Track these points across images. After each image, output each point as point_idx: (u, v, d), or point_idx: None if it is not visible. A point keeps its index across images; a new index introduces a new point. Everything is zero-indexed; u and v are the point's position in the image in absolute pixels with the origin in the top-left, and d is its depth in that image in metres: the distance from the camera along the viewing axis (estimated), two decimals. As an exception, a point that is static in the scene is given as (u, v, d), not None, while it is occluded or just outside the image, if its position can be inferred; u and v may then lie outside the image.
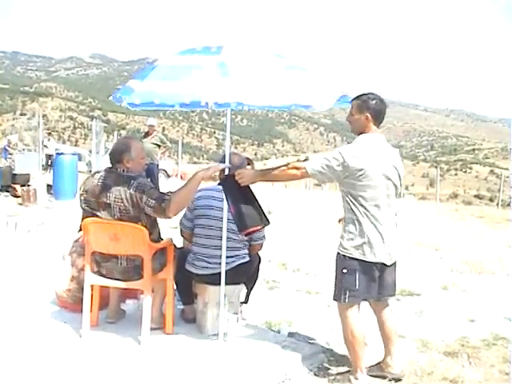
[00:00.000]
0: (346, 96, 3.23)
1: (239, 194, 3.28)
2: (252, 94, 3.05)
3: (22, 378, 2.94)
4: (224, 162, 3.45)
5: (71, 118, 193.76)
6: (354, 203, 3.10)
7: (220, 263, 3.47)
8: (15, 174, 12.18)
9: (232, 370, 3.14)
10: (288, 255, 6.72)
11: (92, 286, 3.58)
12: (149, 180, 3.56)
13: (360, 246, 3.07)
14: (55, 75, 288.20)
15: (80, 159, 16.20)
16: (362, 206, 3.07)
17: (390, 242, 3.13)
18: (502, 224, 11.41)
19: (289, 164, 3.23)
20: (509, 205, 21.53)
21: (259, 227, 3.39)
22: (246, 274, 3.81)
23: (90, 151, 18.45)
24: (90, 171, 14.31)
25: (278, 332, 3.94)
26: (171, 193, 3.28)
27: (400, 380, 3.30)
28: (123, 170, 3.44)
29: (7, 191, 11.85)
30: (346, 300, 3.13)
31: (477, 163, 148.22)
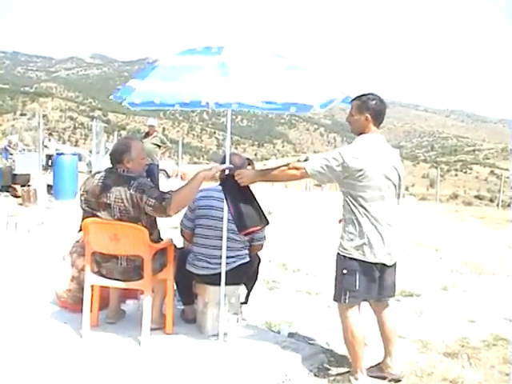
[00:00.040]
0: (347, 97, 3.24)
1: (239, 194, 3.28)
2: (252, 95, 3.05)
3: (22, 378, 2.94)
4: (225, 163, 3.45)
5: (71, 119, 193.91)
6: (353, 203, 3.10)
7: (221, 263, 3.47)
8: (15, 174, 12.18)
9: (232, 371, 3.14)
10: (288, 256, 6.72)
11: (92, 287, 3.58)
12: (149, 180, 3.56)
13: (360, 247, 3.07)
14: (55, 75, 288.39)
15: (80, 159, 16.20)
16: (361, 206, 3.08)
17: (390, 243, 3.13)
18: (502, 225, 11.41)
19: (289, 164, 3.23)
20: (509, 205, 21.52)
21: (258, 227, 3.39)
22: (246, 274, 3.81)
23: (90, 151, 18.45)
24: (90, 171, 14.31)
25: (278, 332, 3.94)
26: (172, 191, 3.29)
27: (400, 381, 3.30)
28: (123, 171, 3.44)
29: (7, 191, 11.86)
30: (346, 301, 3.13)
31: (477, 164, 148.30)
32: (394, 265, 3.25)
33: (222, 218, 3.48)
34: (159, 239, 3.65)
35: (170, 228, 6.61)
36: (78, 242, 4.04)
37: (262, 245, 3.94)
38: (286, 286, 5.40)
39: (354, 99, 3.23)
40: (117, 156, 3.47)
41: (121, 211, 3.36)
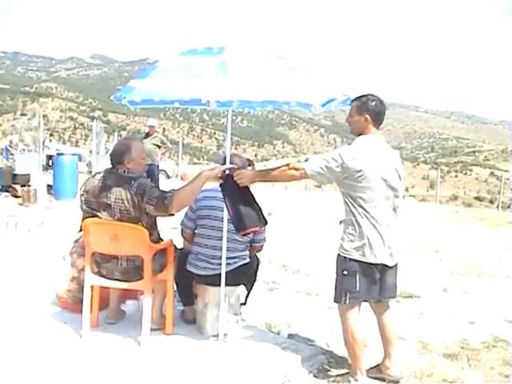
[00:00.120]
0: (348, 98, 3.24)
1: (238, 194, 3.28)
2: (253, 94, 3.05)
3: (22, 378, 2.94)
4: (225, 164, 3.45)
5: (71, 119, 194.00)
6: (353, 204, 3.10)
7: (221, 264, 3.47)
8: (15, 175, 12.19)
9: (232, 371, 3.14)
10: (288, 256, 6.72)
11: (92, 287, 3.58)
12: (149, 180, 3.56)
13: (360, 248, 3.07)
14: (56, 75, 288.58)
15: (80, 160, 16.21)
16: (361, 207, 3.08)
17: (391, 244, 3.13)
18: (502, 226, 11.41)
19: (288, 165, 3.23)
20: (509, 207, 21.53)
21: (257, 228, 3.39)
22: (245, 274, 3.81)
23: (91, 152, 18.47)
24: (91, 172, 14.33)
25: (278, 333, 3.94)
26: (174, 190, 3.29)
27: (399, 382, 3.30)
28: (124, 171, 3.44)
29: (7, 191, 11.86)
30: (347, 302, 3.13)
31: (477, 165, 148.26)
32: (395, 266, 3.25)
33: (223, 219, 3.49)
34: (159, 240, 3.65)
35: (170, 228, 6.61)
36: (77, 242, 4.04)
37: (262, 246, 3.94)
38: (285, 287, 5.40)
39: (353, 100, 3.23)
40: (117, 156, 3.47)
41: (121, 211, 3.36)
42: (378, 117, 3.19)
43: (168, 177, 19.11)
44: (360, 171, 3.01)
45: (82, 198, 3.54)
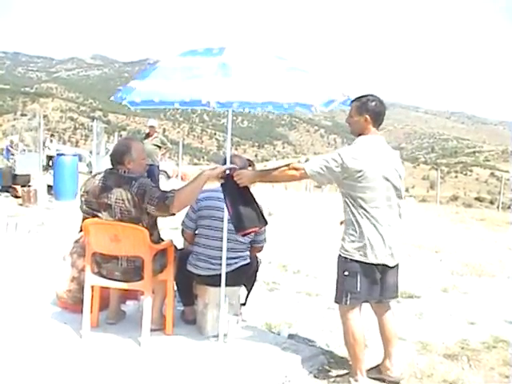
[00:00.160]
0: (348, 99, 3.24)
1: (238, 194, 3.28)
2: (253, 94, 3.05)
3: (23, 379, 2.94)
4: (225, 164, 3.45)
5: (72, 119, 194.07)
6: (353, 205, 3.10)
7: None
8: (16, 175, 12.19)
9: (232, 372, 3.14)
10: (288, 257, 6.72)
11: (92, 287, 3.58)
12: (150, 180, 3.56)
13: (361, 248, 3.07)
14: (56, 76, 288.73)
15: (80, 160, 16.23)
16: (361, 207, 3.08)
17: (392, 244, 3.12)
18: (503, 227, 11.41)
19: (289, 165, 3.23)
20: (509, 207, 21.53)
21: (257, 228, 3.39)
22: (245, 275, 3.81)
23: (91, 152, 18.48)
24: (91, 172, 14.34)
25: (278, 334, 3.94)
26: (175, 190, 3.29)
27: (399, 383, 3.30)
28: (124, 171, 3.44)
29: (8, 192, 11.86)
30: (348, 302, 3.13)
31: (477, 166, 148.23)
32: (397, 266, 3.25)
33: (224, 219, 3.49)
34: (159, 240, 3.65)
35: (171, 229, 6.62)
36: (77, 242, 4.04)
37: (262, 246, 3.95)
38: (286, 288, 5.40)
39: (353, 100, 3.24)
40: (117, 157, 3.47)
41: (122, 212, 3.36)
42: (377, 117, 3.19)
43: (168, 177, 19.12)
44: (360, 171, 3.01)
45: (83, 199, 3.54)
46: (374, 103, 3.16)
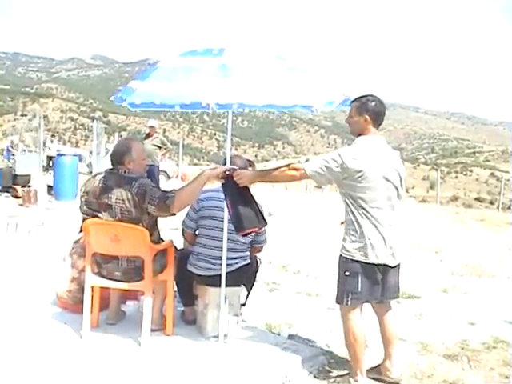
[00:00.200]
0: (348, 99, 3.24)
1: (238, 194, 3.28)
2: (253, 95, 3.05)
3: (23, 379, 2.94)
4: (225, 165, 3.45)
5: (72, 119, 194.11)
6: (353, 205, 3.10)
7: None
8: (16, 175, 12.19)
9: (232, 372, 3.14)
10: (288, 257, 6.72)
11: (92, 287, 3.58)
12: (150, 181, 3.56)
13: (362, 248, 3.07)
14: (56, 76, 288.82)
15: (80, 160, 16.23)
16: (361, 207, 3.08)
17: (393, 244, 3.12)
18: (503, 227, 11.41)
19: (289, 165, 3.23)
20: (509, 208, 21.53)
21: (256, 228, 3.39)
22: (245, 275, 3.81)
23: (91, 152, 18.49)
24: (91, 172, 14.34)
25: (278, 334, 3.94)
26: (175, 190, 3.29)
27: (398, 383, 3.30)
28: (124, 172, 3.44)
29: (8, 192, 11.86)
30: (349, 303, 3.13)
31: (477, 166, 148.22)
32: (398, 266, 3.25)
33: (228, 220, 3.49)
34: (160, 240, 3.65)
35: (171, 229, 6.62)
36: (77, 242, 4.05)
37: (262, 247, 3.95)
38: (286, 288, 5.40)
39: (353, 101, 3.24)
40: (118, 157, 3.48)
41: (122, 212, 3.36)
42: (377, 117, 3.19)
43: (168, 177, 19.12)
44: (360, 171, 3.01)
45: (83, 200, 3.55)
46: (373, 103, 3.16)
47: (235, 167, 3.37)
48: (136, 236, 3.35)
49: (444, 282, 5.93)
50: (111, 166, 3.52)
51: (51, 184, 11.58)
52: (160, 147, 10.56)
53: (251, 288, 4.03)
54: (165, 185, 15.36)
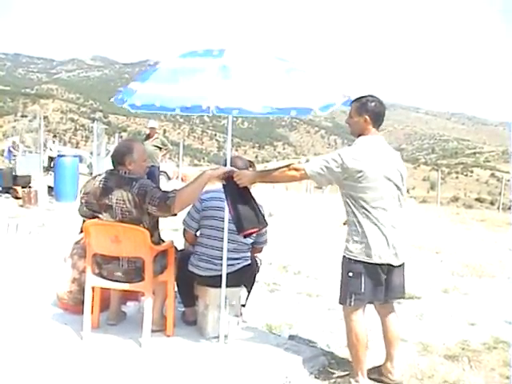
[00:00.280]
0: (349, 100, 3.25)
1: (238, 195, 3.28)
2: (253, 100, 3.05)
3: (23, 380, 2.94)
4: (226, 166, 3.46)
5: (72, 120, 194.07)
6: (354, 205, 3.10)
7: (226, 265, 3.48)
8: (16, 176, 12.18)
9: (232, 373, 3.14)
10: (289, 258, 6.72)
11: (93, 288, 3.58)
12: (150, 181, 3.56)
13: (365, 249, 3.06)
14: (56, 77, 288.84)
15: (81, 161, 16.24)
16: (362, 207, 3.07)
17: (396, 243, 3.12)
18: (503, 227, 11.40)
19: (289, 165, 3.23)
20: (509, 208, 21.53)
21: (257, 229, 3.39)
22: (246, 275, 3.81)
23: (91, 153, 18.50)
24: (91, 173, 14.35)
25: (279, 335, 3.94)
26: (176, 190, 3.30)
27: (399, 384, 3.30)
28: (125, 172, 3.44)
29: (8, 193, 11.86)
30: (352, 303, 3.12)
31: (478, 166, 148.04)
32: (402, 265, 3.24)
33: (228, 220, 3.49)
34: (160, 241, 3.65)
35: (171, 230, 6.62)
36: (78, 243, 4.05)
37: (262, 248, 3.95)
38: (286, 289, 5.40)
39: (353, 101, 3.24)
40: (118, 158, 3.48)
41: (123, 212, 3.36)
42: (377, 117, 3.19)
43: (169, 178, 19.14)
44: (360, 171, 3.01)
45: (83, 201, 3.55)
46: (373, 104, 3.17)
47: (235, 169, 3.37)
48: (136, 237, 3.36)
49: (444, 283, 5.92)
50: (112, 167, 3.52)
51: (52, 185, 11.59)
52: (160, 148, 10.57)
53: (251, 288, 4.03)
54: (165, 186, 15.36)
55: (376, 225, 3.06)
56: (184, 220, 3.84)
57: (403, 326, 4.09)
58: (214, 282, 3.57)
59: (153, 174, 9.87)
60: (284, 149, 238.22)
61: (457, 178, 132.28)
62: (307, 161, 3.45)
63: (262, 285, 5.25)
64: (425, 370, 3.49)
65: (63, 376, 2.99)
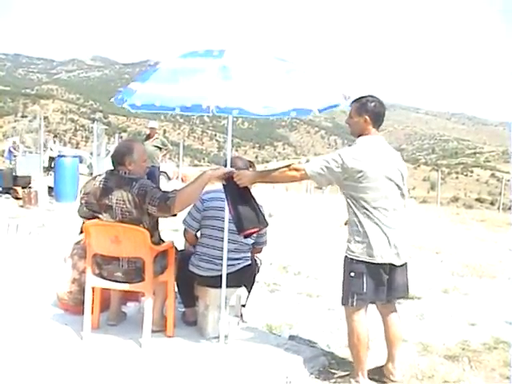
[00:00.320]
0: (349, 100, 3.25)
1: (238, 195, 3.28)
2: (253, 101, 3.05)
3: (23, 380, 2.94)
4: (226, 166, 3.46)
5: (72, 121, 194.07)
6: (355, 205, 3.10)
7: (227, 265, 3.48)
8: (16, 176, 12.19)
9: (233, 373, 3.14)
10: (289, 258, 6.72)
11: (93, 289, 3.58)
12: (150, 181, 3.56)
13: (366, 249, 3.06)
14: (56, 77, 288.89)
15: (81, 161, 16.24)
16: (363, 207, 3.07)
17: (398, 243, 3.11)
18: (503, 228, 11.41)
19: (289, 166, 3.23)
20: (510, 208, 21.53)
21: (257, 229, 3.39)
22: (246, 275, 3.81)
23: (91, 153, 18.50)
24: (91, 173, 14.35)
25: (279, 335, 3.94)
26: (176, 190, 3.30)
27: (400, 384, 3.30)
28: (125, 173, 3.44)
29: (8, 193, 11.86)
30: (354, 304, 3.11)
31: (478, 167, 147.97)
32: (405, 265, 3.24)
33: (229, 220, 3.49)
34: (160, 241, 3.65)
35: (171, 230, 6.62)
36: (78, 243, 4.05)
37: (262, 248, 3.95)
38: (286, 289, 5.40)
39: (353, 101, 3.24)
40: (118, 158, 3.48)
41: (123, 213, 3.36)
42: (377, 118, 3.19)
43: (169, 179, 19.15)
44: (360, 172, 3.01)
45: (83, 201, 3.55)
46: (373, 104, 3.17)
47: (234, 170, 3.38)
48: (136, 237, 3.36)
49: (445, 283, 5.92)
50: (112, 167, 3.52)
51: (52, 185, 11.59)
52: (160, 148, 10.58)
53: (251, 289, 4.03)
54: (165, 186, 15.36)
55: (377, 225, 3.06)
56: (185, 220, 3.83)
57: (403, 326, 4.10)
58: (215, 282, 3.57)
59: (153, 174, 9.87)
60: (284, 149, 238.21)
61: (457, 178, 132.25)
62: (307, 161, 3.45)
63: (262, 285, 5.25)
64: (425, 370, 3.48)
65: (63, 376, 2.99)
